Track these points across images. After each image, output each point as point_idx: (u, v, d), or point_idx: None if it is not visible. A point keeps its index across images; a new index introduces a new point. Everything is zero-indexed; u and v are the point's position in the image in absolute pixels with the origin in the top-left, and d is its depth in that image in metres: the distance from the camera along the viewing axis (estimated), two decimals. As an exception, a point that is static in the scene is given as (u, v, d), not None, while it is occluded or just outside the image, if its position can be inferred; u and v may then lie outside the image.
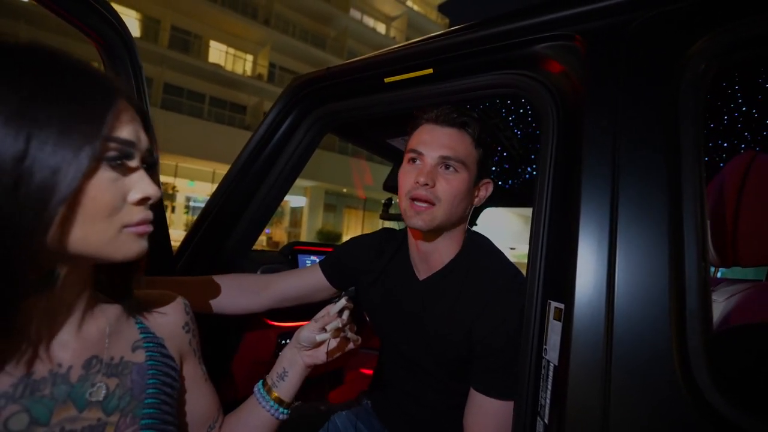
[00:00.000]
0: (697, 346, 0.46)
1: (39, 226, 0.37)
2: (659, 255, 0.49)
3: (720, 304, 0.70)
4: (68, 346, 0.46)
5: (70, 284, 0.45)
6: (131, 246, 0.45)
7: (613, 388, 0.48)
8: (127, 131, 0.44)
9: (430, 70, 0.83)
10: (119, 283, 0.53)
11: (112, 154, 0.42)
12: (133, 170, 0.45)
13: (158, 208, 0.99)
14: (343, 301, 0.68)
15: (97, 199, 0.41)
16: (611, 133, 0.55)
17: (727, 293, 0.72)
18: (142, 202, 0.46)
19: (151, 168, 0.49)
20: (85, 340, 0.48)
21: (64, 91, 0.39)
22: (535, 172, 1.61)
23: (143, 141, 0.46)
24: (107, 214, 0.42)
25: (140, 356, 0.52)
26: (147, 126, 0.48)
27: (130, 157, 0.44)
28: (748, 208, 0.66)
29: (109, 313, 0.52)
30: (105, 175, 0.42)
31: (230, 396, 1.23)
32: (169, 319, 0.58)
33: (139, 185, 0.45)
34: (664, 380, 0.46)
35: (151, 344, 0.54)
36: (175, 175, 14.07)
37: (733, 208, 0.68)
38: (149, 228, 0.47)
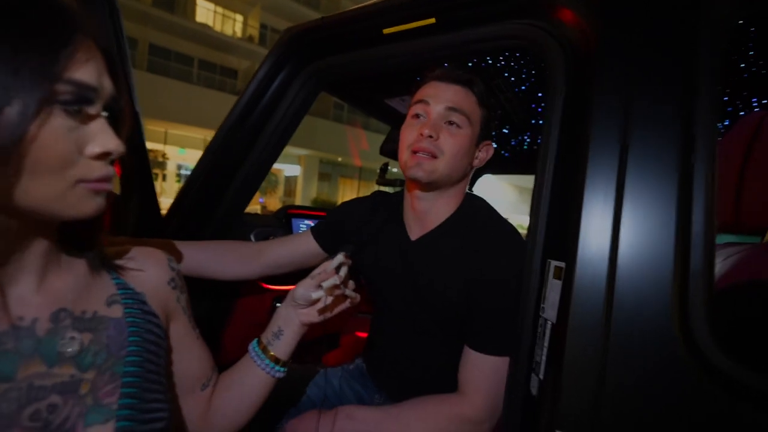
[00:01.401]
0: (699, 305, 0.45)
1: None
2: (667, 214, 0.48)
3: (717, 265, 0.70)
4: (29, 301, 0.43)
5: (23, 236, 0.41)
6: (86, 203, 0.41)
7: (611, 346, 0.48)
8: (87, 73, 0.38)
9: (433, 20, 0.78)
10: (83, 237, 0.49)
11: (67, 98, 0.37)
12: (93, 119, 0.40)
13: (146, 172, 0.95)
14: (340, 257, 0.66)
15: (48, 148, 0.36)
16: (624, 85, 0.52)
17: (723, 255, 0.72)
18: (102, 156, 0.41)
19: (117, 119, 0.43)
20: (48, 293, 0.44)
21: (10, 22, 0.34)
22: (535, 137, 1.57)
23: (107, 86, 0.41)
24: (58, 167, 0.37)
25: (117, 311, 0.49)
26: (113, 70, 0.43)
27: (89, 103, 0.39)
28: (754, 171, 0.65)
29: (76, 266, 0.49)
30: (58, 123, 0.37)
31: (225, 358, 1.25)
32: (151, 274, 0.55)
33: (99, 137, 0.40)
34: (664, 338, 0.46)
35: (130, 300, 0.51)
36: (165, 142, 13.74)
37: (739, 170, 0.66)
38: (108, 186, 0.42)
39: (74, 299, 0.46)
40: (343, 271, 0.66)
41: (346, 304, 0.71)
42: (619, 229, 0.50)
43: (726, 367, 0.43)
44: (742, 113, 1.09)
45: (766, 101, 1.04)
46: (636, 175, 0.50)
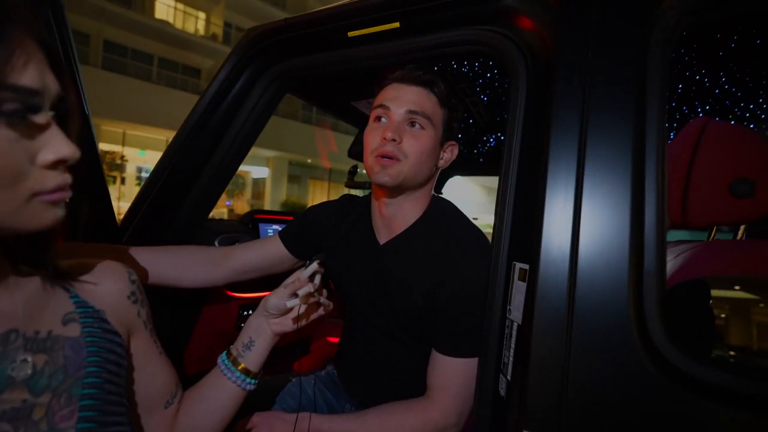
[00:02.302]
0: (653, 303, 0.48)
1: None
2: (621, 216, 0.50)
3: (668, 262, 0.74)
4: None
5: None
6: (43, 215, 0.38)
7: (573, 346, 0.49)
8: (28, 76, 0.35)
9: (397, 24, 0.78)
10: (35, 252, 0.45)
11: (9, 107, 0.34)
12: (41, 126, 0.37)
13: (97, 172, 0.89)
14: (314, 265, 0.66)
15: None
16: (581, 92, 0.54)
17: (674, 252, 0.76)
18: (56, 164, 0.38)
19: (66, 119, 0.40)
20: None
21: None
22: (502, 138, 1.61)
23: (51, 87, 0.38)
24: (9, 182, 0.34)
25: (74, 330, 0.46)
26: (55, 65, 0.39)
27: (34, 109, 0.36)
28: (699, 173, 0.69)
29: (27, 285, 0.45)
30: (2, 134, 0.33)
31: (192, 370, 1.19)
32: (111, 289, 0.52)
33: (52, 144, 0.37)
34: (622, 336, 0.47)
35: (89, 319, 0.48)
36: (123, 144, 13.04)
37: (685, 172, 0.71)
38: (66, 194, 0.39)
39: (25, 319, 0.43)
40: (317, 279, 0.65)
41: (320, 311, 0.70)
42: (578, 231, 0.51)
43: (679, 362, 0.45)
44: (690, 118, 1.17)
45: (709, 107, 1.12)
46: (593, 178, 0.52)
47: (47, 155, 0.37)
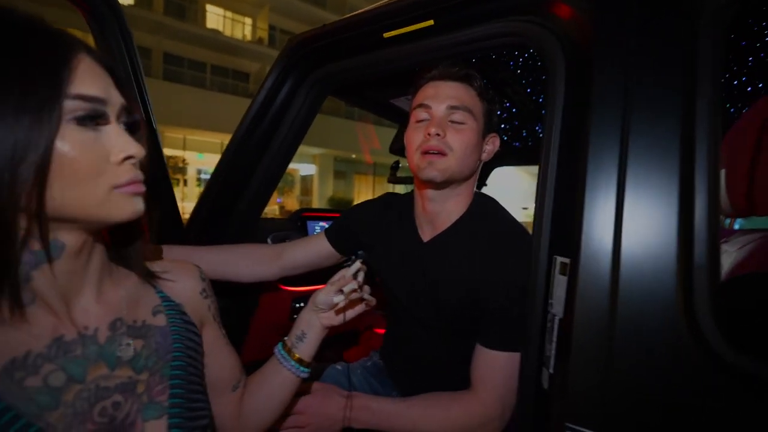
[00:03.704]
0: (704, 298, 0.45)
1: (16, 197, 0.37)
2: (668, 208, 0.48)
3: (731, 254, 0.69)
4: (91, 311, 0.48)
5: (77, 254, 0.46)
6: (124, 207, 0.44)
7: (616, 339, 0.48)
8: (93, 88, 0.41)
9: (431, 22, 0.79)
10: (129, 253, 0.54)
11: (79, 113, 0.40)
12: (109, 129, 0.43)
13: (164, 178, 1.00)
14: (357, 264, 0.70)
15: (76, 161, 0.40)
16: (623, 80, 0.52)
17: (739, 243, 0.71)
18: (126, 161, 0.44)
19: (133, 129, 0.47)
20: (106, 304, 0.50)
21: (15, 52, 0.38)
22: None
23: (115, 98, 0.44)
24: (92, 176, 0.41)
25: (161, 320, 0.54)
26: (120, 83, 0.46)
27: (102, 116, 0.42)
28: (766, 155, 0.63)
29: (126, 280, 0.54)
30: (78, 136, 0.40)
31: (250, 357, 1.29)
32: (186, 286, 0.60)
33: (118, 144, 0.43)
34: (670, 331, 0.46)
35: (172, 311, 0.56)
36: (184, 148, 14.08)
37: (750, 156, 0.65)
38: (140, 188, 0.46)
39: (127, 309, 0.51)
40: (360, 276, 0.69)
41: (363, 306, 0.74)
42: (621, 224, 0.50)
43: (732, 358, 0.43)
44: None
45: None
46: (637, 168, 0.50)
47: (117, 153, 0.43)
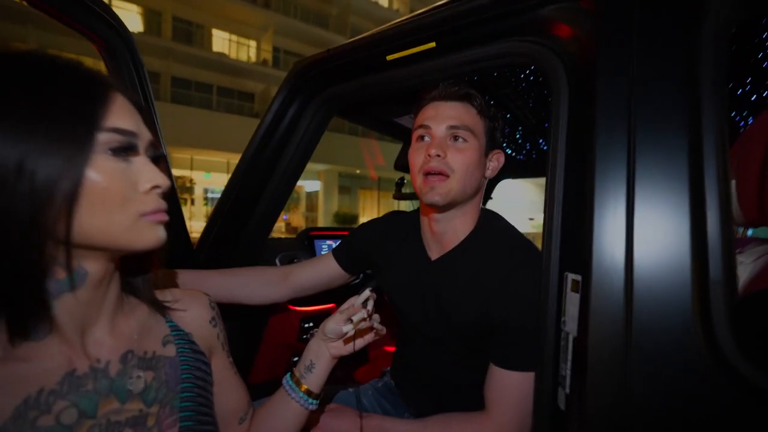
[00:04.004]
0: (721, 313, 0.45)
1: (52, 224, 0.39)
2: (680, 221, 0.48)
3: (747, 266, 0.68)
4: (104, 343, 0.48)
5: (98, 283, 0.46)
6: (150, 234, 0.46)
7: (633, 358, 0.47)
8: (126, 122, 0.44)
9: (433, 44, 0.80)
10: (140, 283, 0.55)
11: (114, 145, 0.43)
12: (138, 160, 0.46)
13: (174, 204, 1.01)
14: (367, 292, 0.69)
15: (108, 189, 0.42)
16: (626, 96, 0.52)
17: (755, 254, 0.69)
18: (153, 190, 0.47)
19: (158, 162, 0.49)
20: (118, 336, 0.50)
21: (56, 91, 0.40)
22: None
23: (144, 133, 0.47)
24: (120, 204, 0.43)
25: (171, 350, 0.54)
26: (147, 120, 0.49)
27: (133, 148, 0.45)
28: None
29: (137, 310, 0.54)
30: (111, 166, 0.42)
31: (259, 378, 1.28)
32: (195, 315, 0.60)
33: (146, 174, 0.46)
34: (687, 348, 0.45)
35: (181, 340, 0.56)
36: (191, 168, 14.30)
37: (761, 164, 0.65)
38: (165, 216, 0.48)
39: (138, 341, 0.52)
40: (370, 305, 0.69)
41: (372, 336, 0.73)
42: (632, 239, 0.50)
43: (753, 375, 0.42)
44: None
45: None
46: (645, 182, 0.50)
47: (145, 183, 0.46)
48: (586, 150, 0.57)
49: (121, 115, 0.44)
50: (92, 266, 0.45)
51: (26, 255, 0.39)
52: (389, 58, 0.87)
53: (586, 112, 0.59)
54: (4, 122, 0.38)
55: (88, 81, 0.43)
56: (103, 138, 0.42)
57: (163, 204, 0.48)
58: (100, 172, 0.41)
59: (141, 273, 0.54)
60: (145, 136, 0.47)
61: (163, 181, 0.47)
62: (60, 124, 0.39)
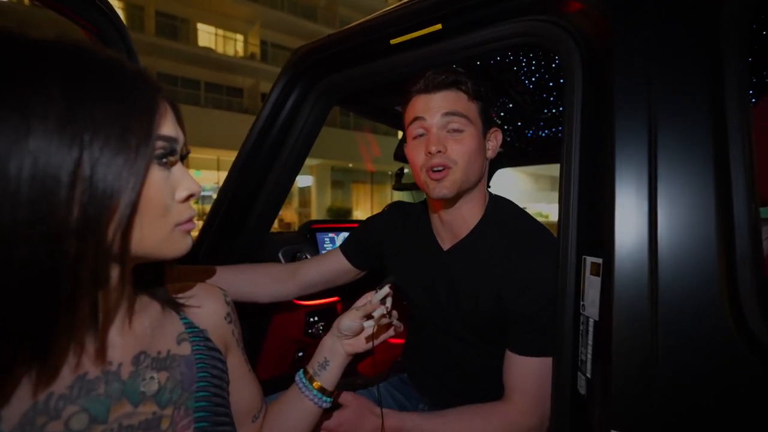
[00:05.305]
0: (749, 291, 0.44)
1: (111, 235, 0.37)
2: (704, 200, 0.47)
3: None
4: (117, 345, 0.46)
5: (117, 284, 0.44)
6: (181, 243, 0.45)
7: (660, 341, 0.47)
8: (170, 128, 0.42)
9: (439, 26, 0.78)
10: (153, 282, 0.53)
11: (160, 152, 0.41)
12: (175, 168, 0.44)
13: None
14: (386, 289, 0.67)
15: (154, 199, 0.41)
16: (644, 73, 0.51)
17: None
18: (188, 199, 0.45)
19: (183, 161, 0.47)
20: (131, 336, 0.48)
21: (113, 92, 0.38)
22: (550, 130, 1.55)
23: (181, 136, 0.45)
24: (161, 214, 0.42)
25: (186, 349, 0.52)
26: (179, 119, 0.47)
27: (173, 154, 0.43)
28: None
29: (150, 308, 0.52)
30: (157, 175, 0.41)
31: (266, 375, 1.27)
32: (210, 310, 0.58)
33: (184, 182, 0.44)
34: (715, 329, 0.44)
35: (196, 337, 0.54)
36: (182, 166, 14.11)
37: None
38: (194, 225, 0.47)
39: (151, 340, 0.49)
40: (389, 301, 0.67)
41: (391, 332, 0.72)
42: (656, 220, 0.49)
43: None
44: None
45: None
46: (667, 161, 0.49)
47: (182, 192, 0.44)
48: (604, 131, 0.56)
49: (167, 121, 0.42)
50: (114, 272, 0.43)
51: (79, 268, 0.36)
52: (393, 42, 0.84)
53: (603, 91, 0.58)
54: (59, 119, 0.34)
55: (140, 81, 0.41)
56: (155, 145, 0.40)
57: (194, 212, 0.47)
58: (149, 181, 0.40)
59: (154, 271, 0.52)
60: (181, 139, 0.45)
61: (198, 188, 0.45)
62: (117, 132, 0.37)
